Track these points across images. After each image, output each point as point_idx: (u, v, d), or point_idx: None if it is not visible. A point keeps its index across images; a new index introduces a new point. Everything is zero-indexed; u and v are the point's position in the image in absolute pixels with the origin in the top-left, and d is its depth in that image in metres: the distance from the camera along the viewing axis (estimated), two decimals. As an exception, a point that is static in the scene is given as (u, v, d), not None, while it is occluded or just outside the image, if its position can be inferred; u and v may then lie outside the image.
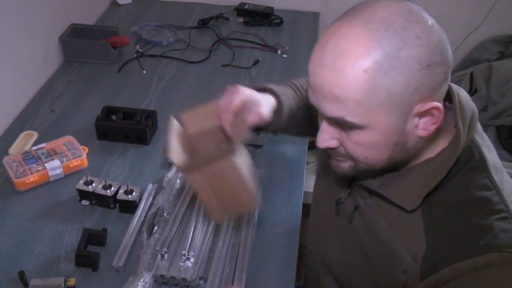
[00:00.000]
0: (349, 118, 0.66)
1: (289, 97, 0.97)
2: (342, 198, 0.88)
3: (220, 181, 0.83)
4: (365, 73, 0.62)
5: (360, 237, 0.84)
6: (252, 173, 0.88)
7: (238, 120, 0.85)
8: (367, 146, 0.70)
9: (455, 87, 0.75)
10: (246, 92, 0.88)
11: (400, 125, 0.67)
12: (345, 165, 0.76)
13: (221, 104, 0.86)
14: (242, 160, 0.84)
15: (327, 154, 0.80)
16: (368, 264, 0.83)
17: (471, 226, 0.70)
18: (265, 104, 0.91)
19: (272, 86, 0.96)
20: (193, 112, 0.91)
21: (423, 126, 0.68)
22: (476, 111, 0.76)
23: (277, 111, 0.93)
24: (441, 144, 0.75)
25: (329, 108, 0.67)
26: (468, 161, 0.73)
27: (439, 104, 0.66)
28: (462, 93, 0.75)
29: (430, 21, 0.64)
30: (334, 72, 0.64)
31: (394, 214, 0.77)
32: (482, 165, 0.73)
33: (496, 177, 0.73)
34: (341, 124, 0.69)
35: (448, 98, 0.75)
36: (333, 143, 0.73)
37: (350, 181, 0.87)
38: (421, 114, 0.67)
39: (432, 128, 0.68)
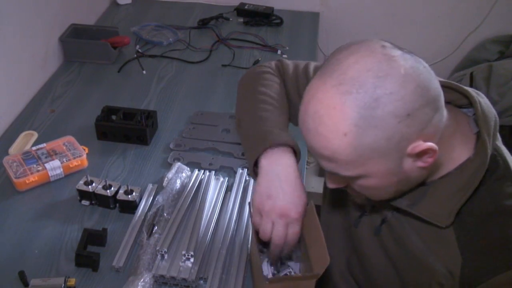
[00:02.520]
0: (343, 173, 0.69)
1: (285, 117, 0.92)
2: (367, 211, 0.87)
3: None
4: (346, 137, 0.63)
5: (389, 250, 0.83)
6: None
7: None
8: (372, 188, 0.72)
9: (475, 94, 0.73)
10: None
11: (397, 167, 0.67)
12: (359, 199, 0.81)
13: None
14: None
15: None
16: (398, 276, 0.83)
17: (506, 238, 0.69)
18: None
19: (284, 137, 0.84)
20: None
21: (421, 160, 0.68)
22: (497, 118, 0.74)
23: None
24: (462, 152, 0.73)
25: (324, 164, 0.70)
26: (493, 170, 0.72)
27: (429, 144, 0.65)
28: (483, 100, 0.74)
29: (403, 68, 0.62)
30: (318, 136, 0.66)
31: (424, 228, 0.76)
32: (508, 173, 0.72)
33: None
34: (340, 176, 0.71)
35: (466, 102, 0.74)
36: (341, 185, 0.76)
37: None
38: (415, 155, 0.67)
39: (431, 160, 0.68)
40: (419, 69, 0.63)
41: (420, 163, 0.68)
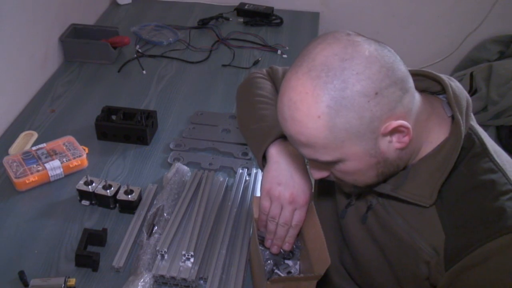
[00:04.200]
0: (322, 158, 0.71)
1: None
2: (352, 201, 0.89)
3: None
4: (320, 119, 0.66)
5: (376, 235, 0.85)
6: None
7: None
8: (352, 173, 0.75)
9: (446, 78, 0.77)
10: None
11: (373, 148, 0.70)
12: (346, 188, 0.84)
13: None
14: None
15: None
16: (387, 260, 0.85)
17: (484, 211, 0.72)
18: None
19: (275, 131, 0.89)
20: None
21: (396, 140, 0.71)
22: (470, 99, 0.78)
23: None
24: (439, 134, 0.76)
25: (303, 151, 0.73)
26: (470, 148, 0.76)
27: (400, 121, 0.68)
28: (454, 83, 0.77)
29: (368, 50, 0.67)
30: (294, 123, 0.69)
31: (408, 209, 0.79)
32: (483, 150, 0.75)
33: (498, 160, 0.75)
34: (320, 162, 0.74)
35: (439, 89, 0.77)
36: (324, 174, 0.79)
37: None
38: (389, 133, 0.70)
39: (406, 139, 0.71)
40: (383, 52, 0.68)
41: (396, 144, 0.71)
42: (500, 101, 1.96)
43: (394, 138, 0.71)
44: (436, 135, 0.76)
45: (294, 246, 0.91)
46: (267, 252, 0.92)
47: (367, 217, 0.86)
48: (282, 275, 0.89)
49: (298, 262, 0.91)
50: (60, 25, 1.65)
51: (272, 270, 0.90)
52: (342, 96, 0.65)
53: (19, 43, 1.40)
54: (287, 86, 0.70)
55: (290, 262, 0.91)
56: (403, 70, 0.69)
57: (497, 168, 0.74)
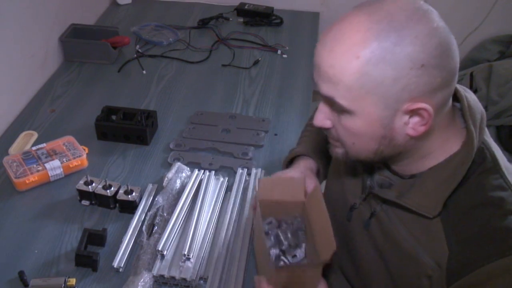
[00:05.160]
0: (339, 100, 0.69)
1: (317, 143, 1.04)
2: (357, 204, 0.88)
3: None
4: (357, 60, 0.65)
5: (378, 243, 0.84)
6: None
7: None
8: (355, 133, 0.72)
9: (462, 89, 0.75)
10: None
11: (387, 118, 0.68)
12: (339, 150, 0.80)
13: None
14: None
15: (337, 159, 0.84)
16: (388, 269, 0.83)
17: (490, 229, 0.70)
18: (308, 174, 0.97)
19: (299, 149, 1.04)
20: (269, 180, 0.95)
21: (412, 126, 0.69)
22: (484, 113, 0.76)
23: (319, 168, 1.02)
24: (452, 146, 0.74)
25: (324, 87, 0.71)
26: (480, 163, 0.73)
27: (428, 106, 0.66)
28: (470, 95, 0.76)
29: (436, 23, 0.65)
30: (331, 53, 0.67)
31: (413, 220, 0.77)
32: (494, 166, 0.73)
33: (509, 177, 0.73)
34: (333, 106, 0.72)
35: (456, 99, 0.75)
36: (326, 124, 0.76)
37: (363, 188, 0.87)
38: (410, 113, 0.68)
39: (422, 129, 0.69)
40: (449, 35, 0.66)
41: (410, 130, 0.69)
42: (500, 101, 1.96)
43: (412, 121, 0.69)
44: (451, 145, 0.74)
45: (299, 231, 0.91)
46: (272, 237, 0.91)
47: (370, 223, 0.85)
48: (288, 262, 0.88)
49: (304, 245, 0.90)
50: (60, 25, 1.65)
51: (278, 256, 0.89)
52: (391, 51, 0.63)
53: (19, 43, 1.40)
54: (344, 18, 0.68)
55: (297, 251, 0.90)
56: (455, 65, 0.67)
57: (507, 186, 0.71)
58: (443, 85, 0.67)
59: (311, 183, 0.93)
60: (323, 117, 0.76)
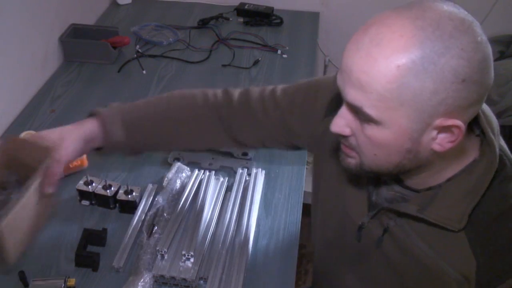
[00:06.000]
0: (368, 109, 0.63)
1: (138, 109, 0.95)
2: (365, 223, 0.82)
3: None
4: (397, 69, 0.59)
5: (392, 260, 0.80)
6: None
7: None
8: (379, 144, 0.66)
9: None
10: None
11: (417, 132, 0.64)
12: (352, 161, 0.73)
13: None
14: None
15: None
16: (404, 287, 0.81)
17: None
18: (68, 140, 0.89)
19: (106, 110, 0.94)
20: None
21: (439, 141, 0.65)
22: (497, 121, 0.73)
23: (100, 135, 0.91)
24: (467, 155, 0.71)
25: (352, 94, 0.64)
26: (500, 170, 0.70)
27: (461, 123, 0.62)
28: (483, 104, 0.73)
29: (480, 37, 0.61)
30: (367, 58, 0.61)
31: (433, 233, 0.73)
32: None
33: None
34: (358, 114, 0.66)
35: None
36: (346, 131, 0.69)
37: (370, 204, 0.81)
38: (441, 129, 0.63)
39: (448, 146, 0.65)
40: (490, 51, 0.62)
41: (436, 145, 0.65)
42: (500, 101, 1.96)
43: (440, 136, 0.64)
44: (466, 154, 0.71)
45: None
46: None
47: (382, 240, 0.80)
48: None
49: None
50: (60, 25, 1.65)
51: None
52: (434, 61, 0.58)
53: (19, 43, 1.40)
54: (381, 19, 0.62)
55: None
56: (491, 81, 0.63)
57: None
58: (478, 101, 0.63)
59: (64, 155, 0.87)
60: (343, 124, 0.69)
